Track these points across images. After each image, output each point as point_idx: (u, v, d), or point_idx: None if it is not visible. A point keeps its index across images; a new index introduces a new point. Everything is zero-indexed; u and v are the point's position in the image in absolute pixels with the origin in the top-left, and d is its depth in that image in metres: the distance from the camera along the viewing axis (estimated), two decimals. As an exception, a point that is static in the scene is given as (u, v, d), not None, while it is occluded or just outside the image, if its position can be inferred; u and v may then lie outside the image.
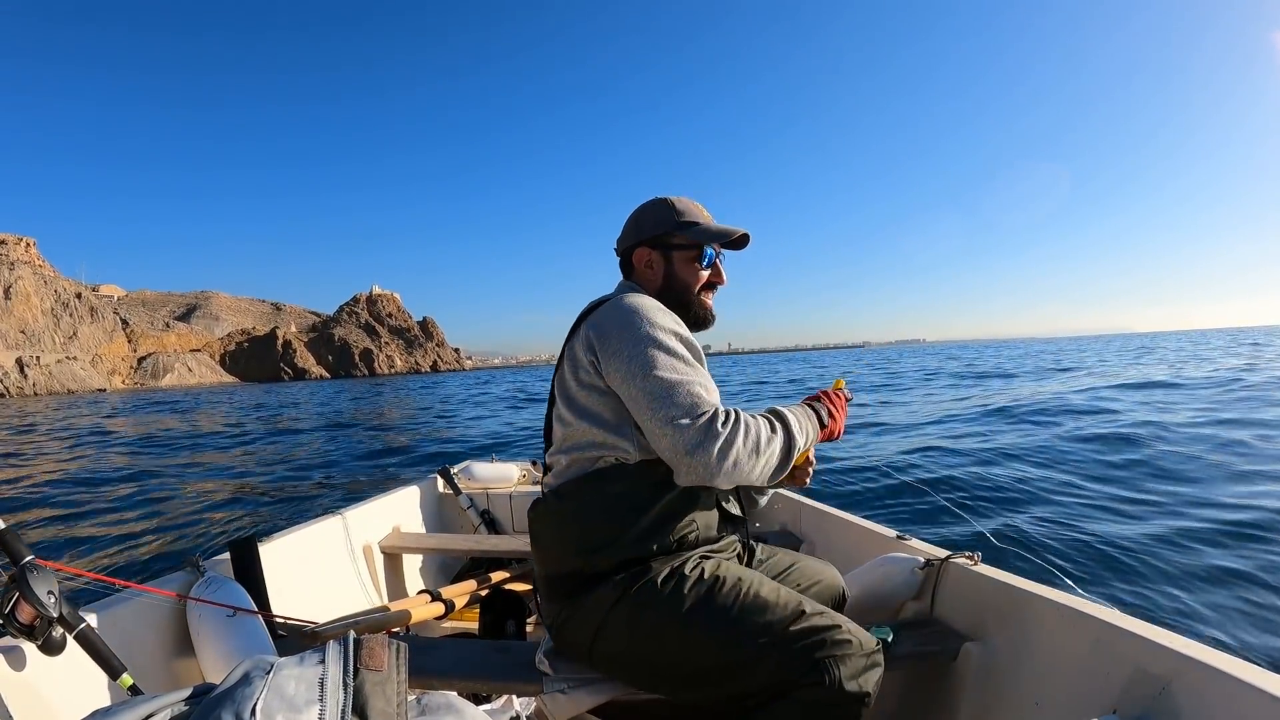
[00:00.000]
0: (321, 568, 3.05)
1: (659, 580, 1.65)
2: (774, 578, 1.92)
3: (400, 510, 3.83)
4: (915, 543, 2.57)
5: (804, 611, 1.62)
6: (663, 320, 1.72)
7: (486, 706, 2.28)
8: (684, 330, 1.76)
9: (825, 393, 1.94)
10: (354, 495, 3.83)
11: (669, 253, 1.94)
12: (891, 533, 2.73)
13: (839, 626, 1.59)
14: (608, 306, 1.79)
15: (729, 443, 1.56)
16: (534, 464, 4.70)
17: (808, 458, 1.93)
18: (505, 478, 4.36)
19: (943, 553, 2.37)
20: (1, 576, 1.60)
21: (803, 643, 1.55)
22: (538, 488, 4.35)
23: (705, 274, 1.96)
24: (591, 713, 1.80)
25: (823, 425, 1.85)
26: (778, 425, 1.70)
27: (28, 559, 1.59)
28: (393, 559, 3.54)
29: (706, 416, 1.58)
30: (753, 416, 1.66)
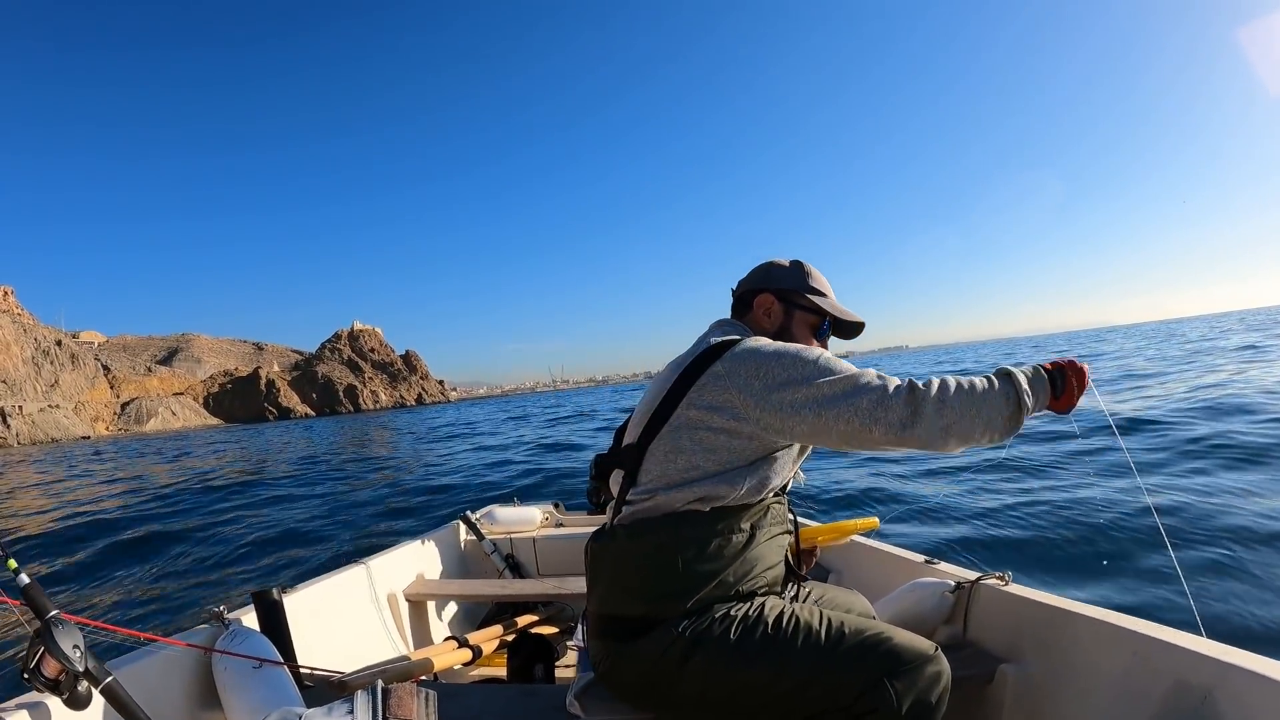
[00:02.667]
0: (347, 617, 3.02)
1: (716, 623, 1.64)
2: None
3: (424, 558, 3.80)
4: (944, 566, 2.56)
5: (850, 629, 1.61)
6: (812, 350, 1.70)
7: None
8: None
9: (1070, 362, 1.73)
10: (376, 544, 3.81)
11: (792, 310, 1.97)
12: (919, 557, 2.72)
13: (889, 638, 1.58)
14: (754, 342, 1.74)
15: (940, 401, 1.54)
16: (556, 506, 4.65)
17: None
18: (528, 521, 4.33)
19: (973, 575, 2.36)
20: (27, 630, 1.59)
21: (852, 659, 1.55)
22: (561, 530, 4.31)
23: (815, 343, 1.94)
24: None
25: (1056, 394, 1.67)
26: (993, 378, 1.63)
27: (52, 613, 1.59)
28: (418, 607, 3.51)
29: (905, 385, 1.57)
30: (959, 378, 1.61)
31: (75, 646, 1.57)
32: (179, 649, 2.05)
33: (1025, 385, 1.62)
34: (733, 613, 1.65)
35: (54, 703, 1.63)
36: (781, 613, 1.66)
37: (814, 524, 2.46)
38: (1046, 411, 1.70)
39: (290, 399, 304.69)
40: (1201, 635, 1.62)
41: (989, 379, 1.62)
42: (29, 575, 1.62)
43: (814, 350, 1.69)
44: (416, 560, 3.72)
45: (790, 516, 1.89)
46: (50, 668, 1.55)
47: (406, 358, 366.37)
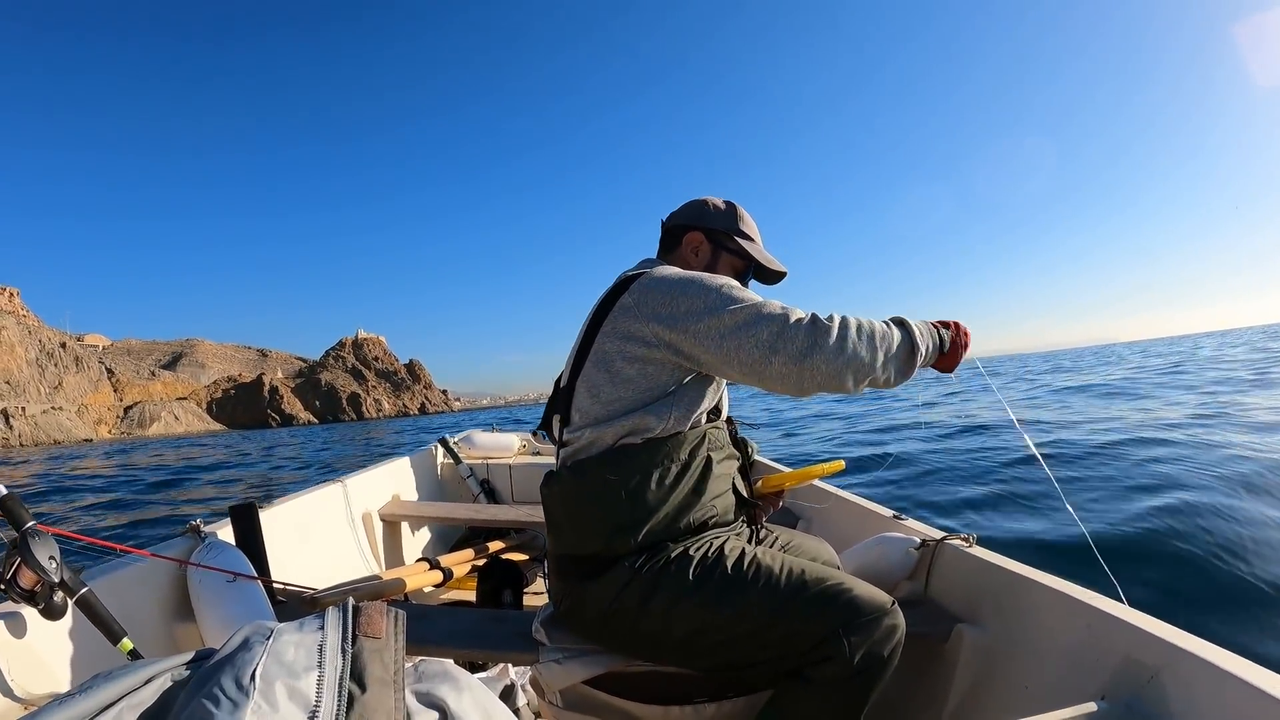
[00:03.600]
0: (321, 534, 3.04)
1: (673, 560, 1.64)
2: None
3: (400, 478, 3.81)
4: (911, 523, 2.58)
5: (811, 577, 1.61)
6: (724, 277, 1.72)
7: (482, 675, 2.28)
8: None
9: (955, 323, 1.83)
10: (354, 465, 3.82)
11: (719, 251, 1.99)
12: (888, 512, 2.74)
13: (849, 589, 1.58)
14: (660, 272, 1.74)
15: (842, 335, 1.55)
16: (535, 435, 4.65)
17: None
18: (505, 448, 4.34)
19: (938, 533, 2.38)
20: (3, 542, 1.60)
21: (811, 608, 1.55)
22: (537, 459, 4.32)
23: None
24: (586, 683, 1.79)
25: (943, 349, 1.78)
26: (891, 323, 1.66)
27: (29, 524, 1.60)
28: (392, 527, 3.53)
29: (807, 318, 1.57)
30: (859, 318, 1.62)
31: (51, 558, 1.58)
32: (155, 561, 2.07)
33: (920, 335, 1.69)
34: (691, 551, 1.66)
35: (30, 613, 1.64)
36: (743, 555, 1.67)
37: (783, 469, 2.48)
38: (932, 369, 1.79)
39: (293, 406, 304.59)
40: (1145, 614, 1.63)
41: (887, 323, 1.66)
42: (5, 487, 1.63)
43: (719, 278, 1.69)
44: (393, 481, 3.74)
45: (737, 442, 1.94)
46: (26, 578, 1.56)
47: (410, 367, 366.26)
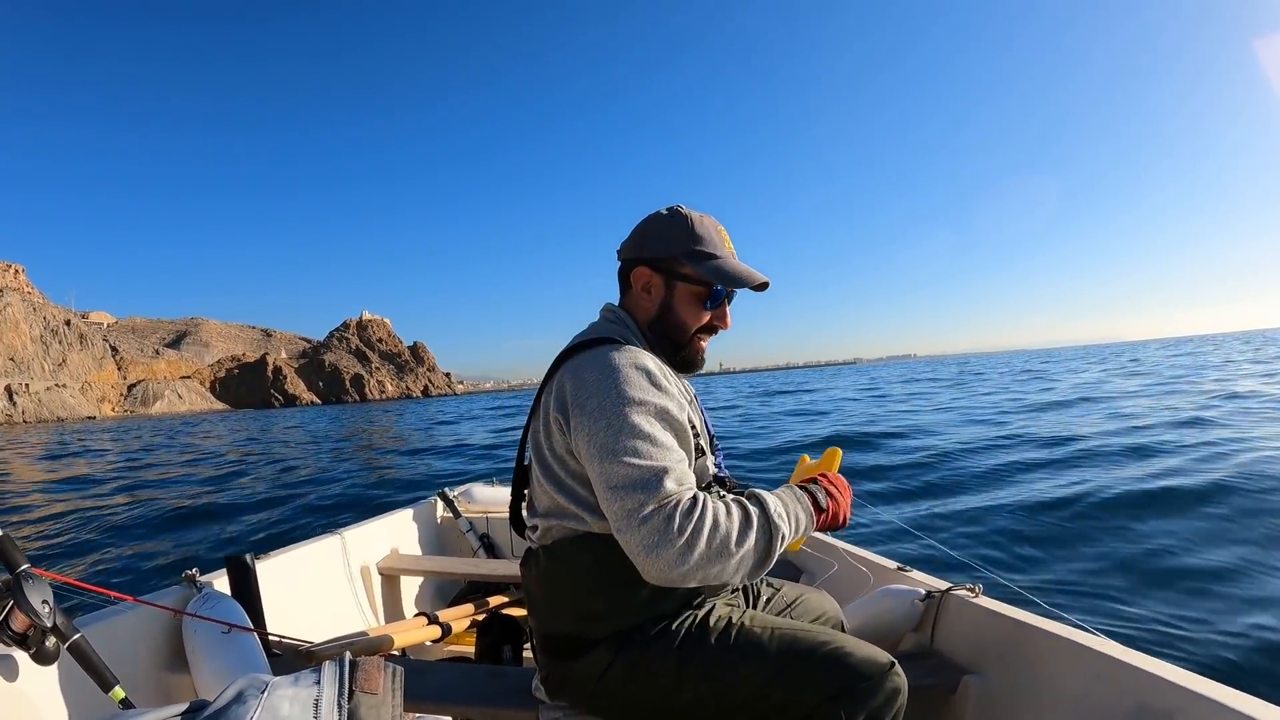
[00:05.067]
0: (318, 587, 3.01)
1: (654, 639, 1.55)
2: (777, 614, 1.84)
3: (399, 532, 3.79)
4: (916, 574, 2.55)
5: (804, 643, 1.52)
6: (641, 392, 1.46)
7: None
8: (667, 400, 1.49)
9: (824, 475, 1.63)
10: (353, 516, 3.81)
11: (673, 282, 1.67)
12: (892, 564, 2.70)
13: (845, 652, 1.48)
14: (587, 361, 1.54)
15: (689, 544, 1.31)
16: None
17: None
18: (505, 501, 4.32)
19: (944, 584, 2.34)
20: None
21: (805, 675, 1.47)
22: None
23: (707, 316, 1.71)
24: None
25: (820, 510, 1.54)
26: (754, 516, 1.40)
27: (23, 567, 1.56)
28: (390, 580, 3.50)
29: (664, 511, 1.32)
30: (727, 507, 1.39)
31: (44, 602, 1.55)
32: (149, 609, 2.03)
33: (781, 524, 1.43)
34: (674, 627, 1.56)
35: (21, 657, 1.61)
36: (729, 624, 1.57)
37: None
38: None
39: (296, 386, 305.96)
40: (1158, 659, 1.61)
41: (746, 515, 1.40)
42: (1, 528, 1.60)
43: (629, 391, 1.45)
44: (391, 534, 3.71)
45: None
46: (19, 622, 1.53)
47: (414, 349, 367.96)
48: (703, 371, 1.77)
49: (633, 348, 1.56)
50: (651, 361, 1.53)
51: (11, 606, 1.52)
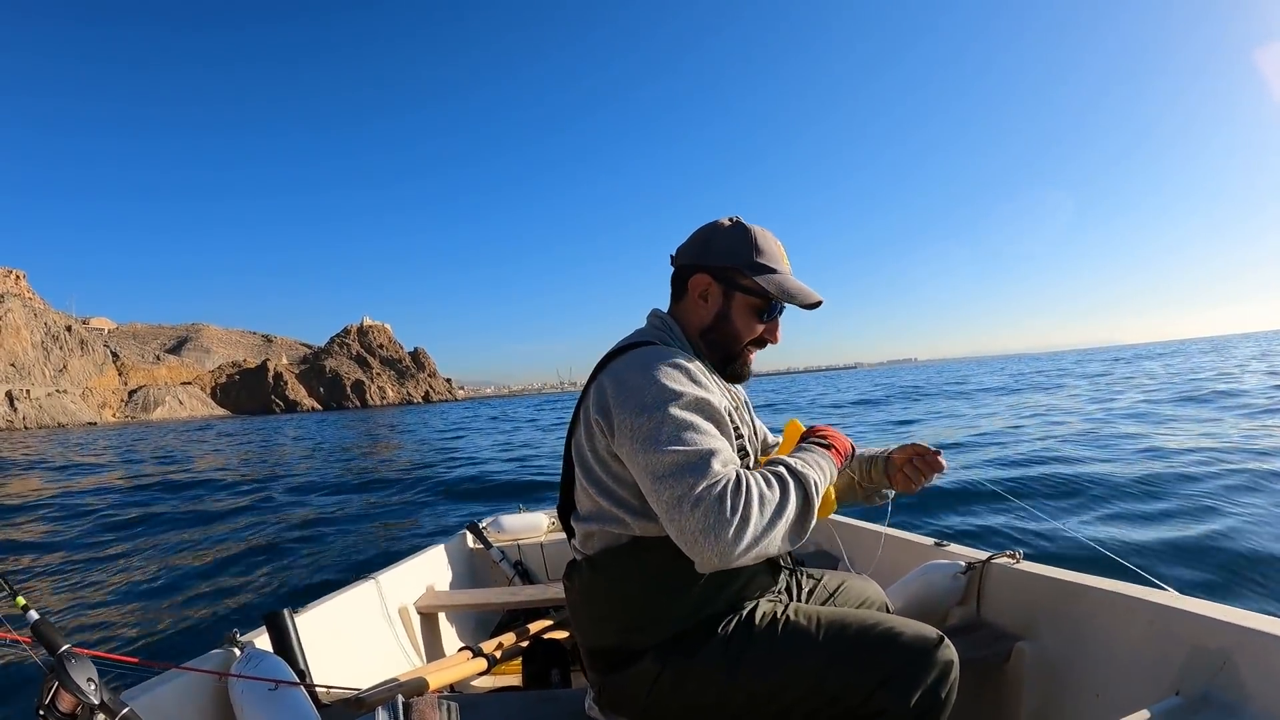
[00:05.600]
0: (359, 634, 2.99)
1: (701, 645, 1.55)
2: (822, 603, 1.83)
3: (432, 569, 3.77)
4: (954, 548, 2.54)
5: (852, 628, 1.51)
6: (681, 385, 1.47)
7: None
8: (707, 394, 1.48)
9: (814, 427, 1.66)
10: (384, 558, 3.77)
11: (732, 292, 1.67)
12: (929, 540, 2.70)
13: (895, 633, 1.47)
14: (626, 363, 1.55)
15: (745, 519, 1.30)
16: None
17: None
18: (534, 527, 4.32)
19: (984, 554, 2.33)
20: (38, 666, 1.55)
21: (856, 661, 1.46)
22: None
23: (760, 329, 1.71)
24: None
25: (828, 447, 1.57)
26: (787, 476, 1.40)
27: (64, 648, 1.53)
28: (429, 619, 3.48)
29: (715, 491, 1.31)
30: (764, 476, 1.38)
31: (89, 679, 1.52)
32: (194, 675, 2.01)
33: (815, 481, 1.43)
34: (720, 631, 1.56)
35: None
36: (774, 620, 1.56)
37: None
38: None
39: (297, 392, 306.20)
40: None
41: (780, 478, 1.40)
42: (37, 611, 1.59)
43: (669, 391, 1.45)
44: (426, 572, 3.69)
45: None
46: (65, 702, 1.49)
47: (415, 355, 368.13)
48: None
49: (674, 352, 1.56)
50: (693, 364, 1.54)
51: (57, 688, 1.49)
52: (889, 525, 3.02)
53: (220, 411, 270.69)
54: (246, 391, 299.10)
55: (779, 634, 1.53)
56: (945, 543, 2.60)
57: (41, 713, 1.49)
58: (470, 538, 4.23)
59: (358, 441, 31.08)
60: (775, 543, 1.34)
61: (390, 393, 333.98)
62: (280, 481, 15.89)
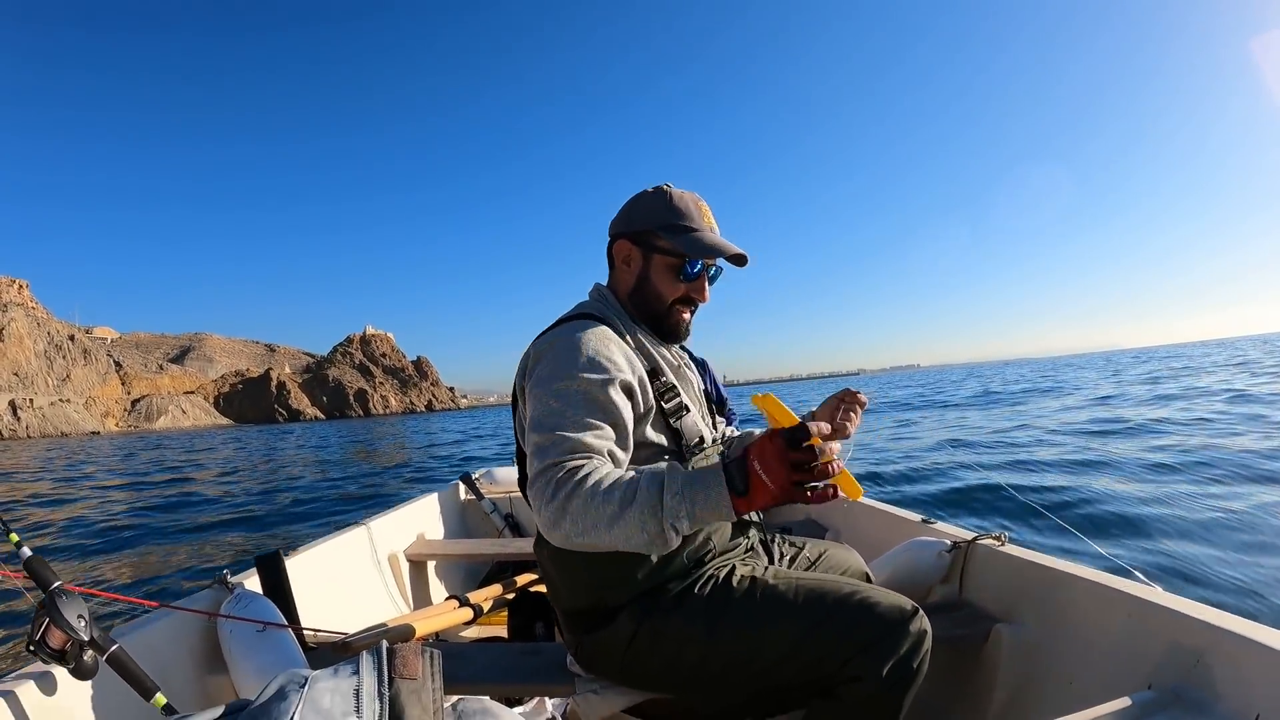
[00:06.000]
0: (349, 579, 3.02)
1: (677, 603, 1.59)
2: (803, 571, 1.85)
3: (424, 518, 3.79)
4: (941, 526, 2.55)
5: (830, 596, 1.54)
6: (572, 367, 1.50)
7: (520, 709, 2.24)
8: (603, 374, 1.50)
9: (764, 439, 1.23)
10: (377, 505, 3.80)
11: (649, 254, 1.72)
12: (917, 517, 2.71)
13: (871, 602, 1.51)
14: (543, 340, 1.61)
15: (561, 510, 1.31)
16: None
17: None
18: None
19: (969, 534, 2.34)
20: (29, 603, 1.58)
21: (833, 629, 1.49)
22: None
23: (683, 288, 1.72)
24: (626, 712, 1.75)
25: (739, 492, 1.24)
26: (639, 499, 1.29)
27: (56, 584, 1.56)
28: (419, 567, 3.51)
29: (547, 476, 1.36)
30: (611, 485, 1.32)
31: (80, 616, 1.54)
32: (183, 614, 2.04)
33: (663, 504, 1.28)
34: (696, 589, 1.60)
35: (61, 673, 1.61)
36: (754, 583, 1.60)
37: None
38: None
39: (300, 401, 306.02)
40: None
41: (630, 492, 1.31)
42: (30, 548, 1.61)
43: (569, 371, 1.49)
44: (417, 520, 3.71)
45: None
46: (56, 638, 1.52)
47: (418, 364, 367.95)
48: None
49: (590, 325, 1.61)
50: (602, 340, 1.57)
51: (48, 624, 1.52)
52: (879, 500, 3.06)
53: (223, 421, 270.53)
54: (249, 401, 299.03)
55: (758, 598, 1.57)
56: (933, 520, 2.62)
57: (32, 648, 1.52)
58: (463, 489, 4.26)
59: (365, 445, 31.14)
60: (610, 544, 1.31)
61: (393, 401, 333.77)
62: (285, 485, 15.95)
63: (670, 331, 1.77)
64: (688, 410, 1.70)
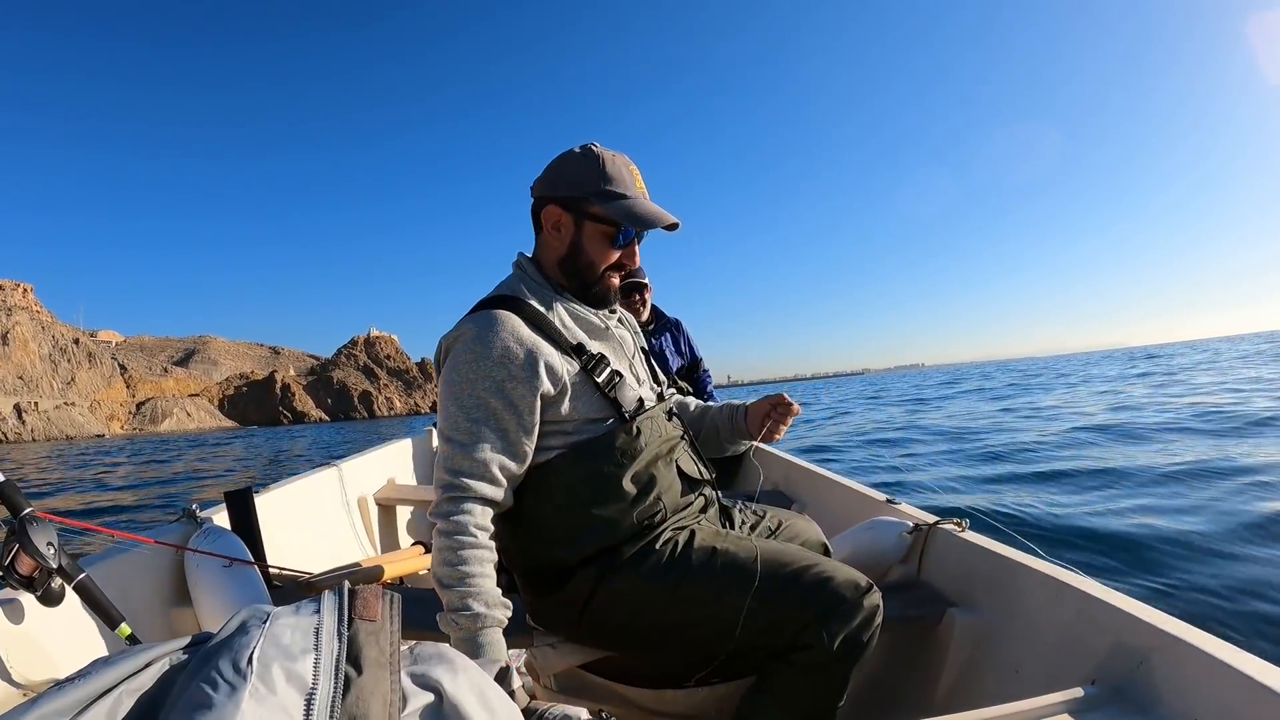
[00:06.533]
0: (317, 519, 3.04)
1: (632, 562, 1.61)
2: (763, 539, 1.85)
3: (395, 463, 3.80)
4: (905, 507, 2.58)
5: (787, 566, 1.57)
6: (485, 374, 1.56)
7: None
8: (518, 370, 1.56)
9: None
10: (348, 450, 3.81)
11: (581, 220, 1.69)
12: (881, 496, 2.75)
13: (827, 575, 1.55)
14: (455, 335, 1.63)
15: (436, 533, 1.53)
16: None
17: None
18: None
19: (931, 518, 2.38)
20: (1, 529, 1.59)
21: (788, 597, 1.53)
22: None
23: (616, 255, 1.73)
24: (581, 668, 1.79)
25: (455, 625, 1.48)
26: (460, 576, 1.48)
27: (27, 510, 1.58)
28: (387, 511, 3.52)
29: (440, 487, 1.56)
30: (460, 545, 1.50)
31: (49, 544, 1.56)
32: (152, 546, 2.06)
33: (454, 613, 1.48)
34: (654, 548, 1.62)
35: (28, 599, 1.63)
36: (712, 549, 1.62)
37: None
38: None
39: (305, 404, 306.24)
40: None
41: (462, 568, 1.49)
42: (3, 474, 1.61)
43: (464, 390, 1.57)
44: (388, 465, 3.72)
45: (677, 427, 1.81)
46: (24, 564, 1.54)
47: (422, 365, 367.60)
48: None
49: (493, 320, 1.60)
50: (501, 336, 1.58)
51: (17, 550, 1.54)
52: (845, 476, 3.13)
53: (228, 423, 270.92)
54: (254, 403, 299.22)
55: (717, 564, 1.59)
56: (897, 500, 2.66)
57: (0, 573, 1.54)
58: (435, 435, 4.28)
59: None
60: (440, 576, 1.52)
61: (397, 403, 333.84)
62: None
63: (599, 298, 1.78)
64: (620, 376, 1.69)
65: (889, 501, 2.67)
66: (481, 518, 1.54)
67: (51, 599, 1.59)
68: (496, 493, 1.56)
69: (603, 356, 1.69)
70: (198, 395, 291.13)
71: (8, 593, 1.63)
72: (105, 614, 1.65)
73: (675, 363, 4.10)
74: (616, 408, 1.67)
